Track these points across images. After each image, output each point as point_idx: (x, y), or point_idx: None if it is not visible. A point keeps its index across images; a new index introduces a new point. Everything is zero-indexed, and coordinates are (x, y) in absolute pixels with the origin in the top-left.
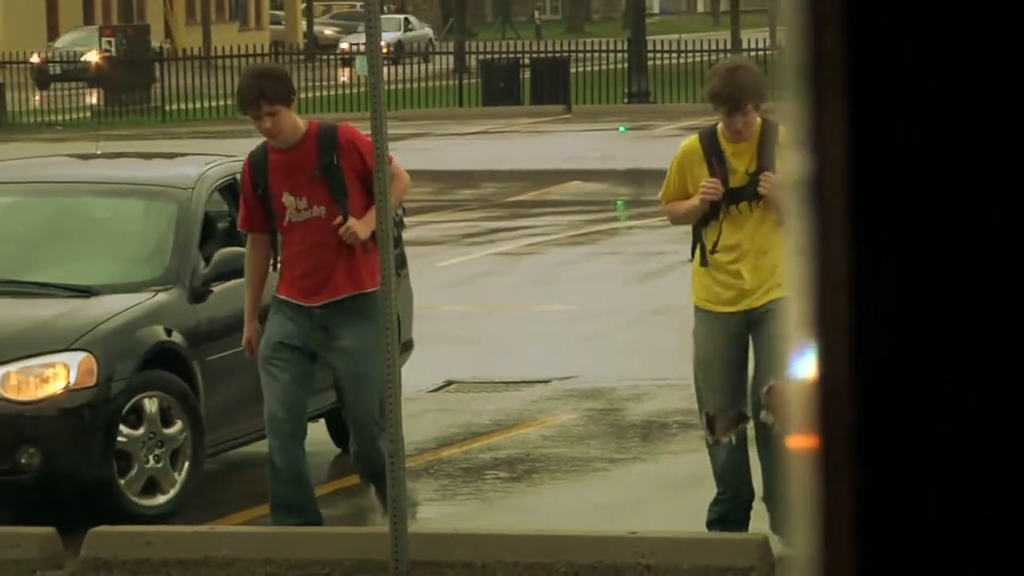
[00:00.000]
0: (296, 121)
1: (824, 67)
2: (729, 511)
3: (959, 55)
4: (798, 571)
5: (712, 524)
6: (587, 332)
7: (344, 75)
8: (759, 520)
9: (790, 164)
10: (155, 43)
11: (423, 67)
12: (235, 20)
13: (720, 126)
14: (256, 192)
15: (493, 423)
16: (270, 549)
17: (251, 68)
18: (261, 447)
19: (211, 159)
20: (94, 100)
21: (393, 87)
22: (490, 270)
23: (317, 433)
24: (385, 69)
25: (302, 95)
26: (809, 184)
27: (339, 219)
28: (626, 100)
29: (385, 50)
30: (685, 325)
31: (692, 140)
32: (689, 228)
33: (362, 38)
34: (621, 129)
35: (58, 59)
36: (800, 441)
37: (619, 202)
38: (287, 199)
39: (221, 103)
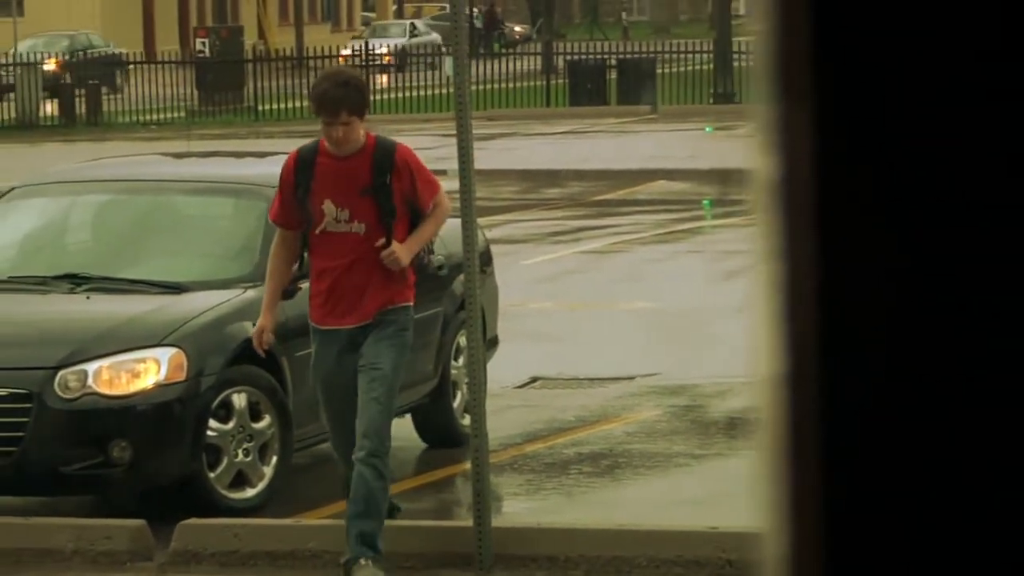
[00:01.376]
0: (361, 133)
1: (791, 69)
2: None
3: (925, 56)
4: (769, 570)
5: None
6: (671, 329)
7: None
8: None
9: (760, 167)
10: (248, 44)
11: (512, 67)
12: (327, 21)
13: None
14: (296, 192)
15: (577, 419)
16: None
17: (334, 74)
18: None
19: None
20: (50, 110)
21: (481, 87)
22: (576, 268)
23: (403, 429)
24: (394, 75)
25: (393, 95)
26: (778, 187)
27: (381, 241)
28: (712, 100)
29: (387, 57)
30: None
31: None
32: None
33: (360, 45)
34: (707, 129)
35: (10, 64)
36: (769, 442)
37: (705, 201)
38: (328, 207)
39: None
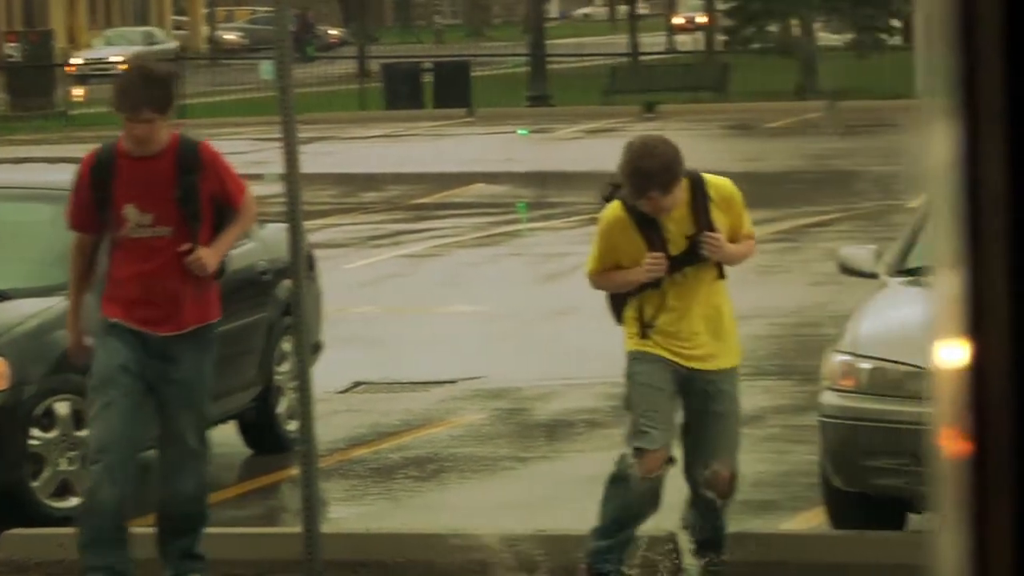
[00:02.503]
0: (164, 132)
1: (981, 78)
2: (616, 551)
3: None
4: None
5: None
6: (493, 333)
7: (79, 93)
8: (667, 519)
9: (935, 163)
10: (59, 48)
11: (326, 71)
12: (138, 25)
13: None
14: (93, 194)
15: (402, 423)
16: None
17: (139, 67)
18: None
19: None
20: None
21: (296, 91)
22: (396, 272)
23: (228, 435)
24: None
25: (205, 99)
26: (966, 188)
27: (187, 245)
28: (527, 103)
29: (123, 66)
30: (589, 325)
31: (616, 209)
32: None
33: (94, 53)
34: (521, 132)
35: None
36: (954, 446)
37: (519, 204)
38: (129, 211)
39: None
